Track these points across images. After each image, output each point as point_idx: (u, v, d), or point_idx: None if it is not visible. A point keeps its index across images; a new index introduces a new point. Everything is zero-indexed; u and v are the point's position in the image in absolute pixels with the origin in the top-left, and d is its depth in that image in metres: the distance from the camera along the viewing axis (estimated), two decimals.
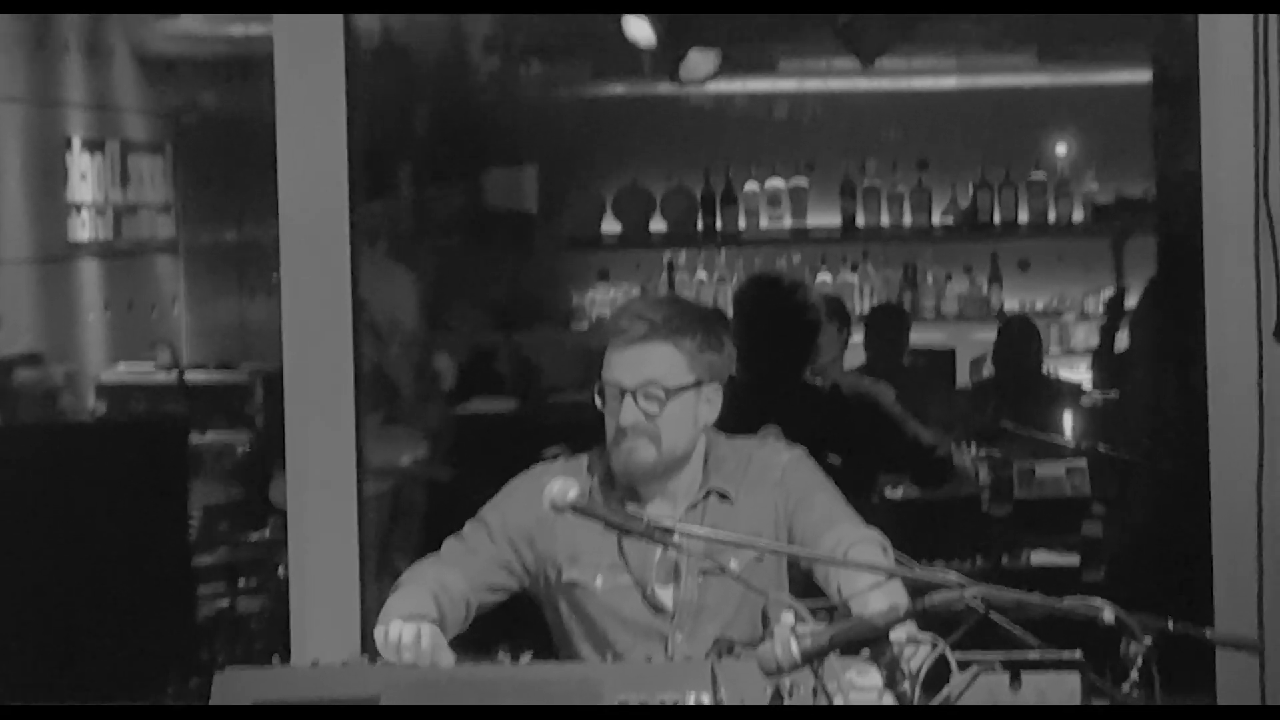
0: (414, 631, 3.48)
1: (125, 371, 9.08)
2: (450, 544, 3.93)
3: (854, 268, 9.88)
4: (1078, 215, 9.69)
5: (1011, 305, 9.89)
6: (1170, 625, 2.92)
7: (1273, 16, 4.85)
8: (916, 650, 2.92)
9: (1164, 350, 6.72)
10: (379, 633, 3.56)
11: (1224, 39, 4.97)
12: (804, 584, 3.64)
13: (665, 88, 9.61)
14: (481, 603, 3.80)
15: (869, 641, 2.93)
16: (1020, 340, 8.80)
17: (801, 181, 9.56)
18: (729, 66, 9.42)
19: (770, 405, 5.51)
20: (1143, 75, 8.08)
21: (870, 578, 3.35)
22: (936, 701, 3.01)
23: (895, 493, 6.88)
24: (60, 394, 8.85)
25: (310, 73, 5.25)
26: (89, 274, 9.60)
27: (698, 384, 3.79)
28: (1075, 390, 8.80)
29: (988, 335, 9.22)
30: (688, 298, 7.02)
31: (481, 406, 8.16)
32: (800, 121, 10.15)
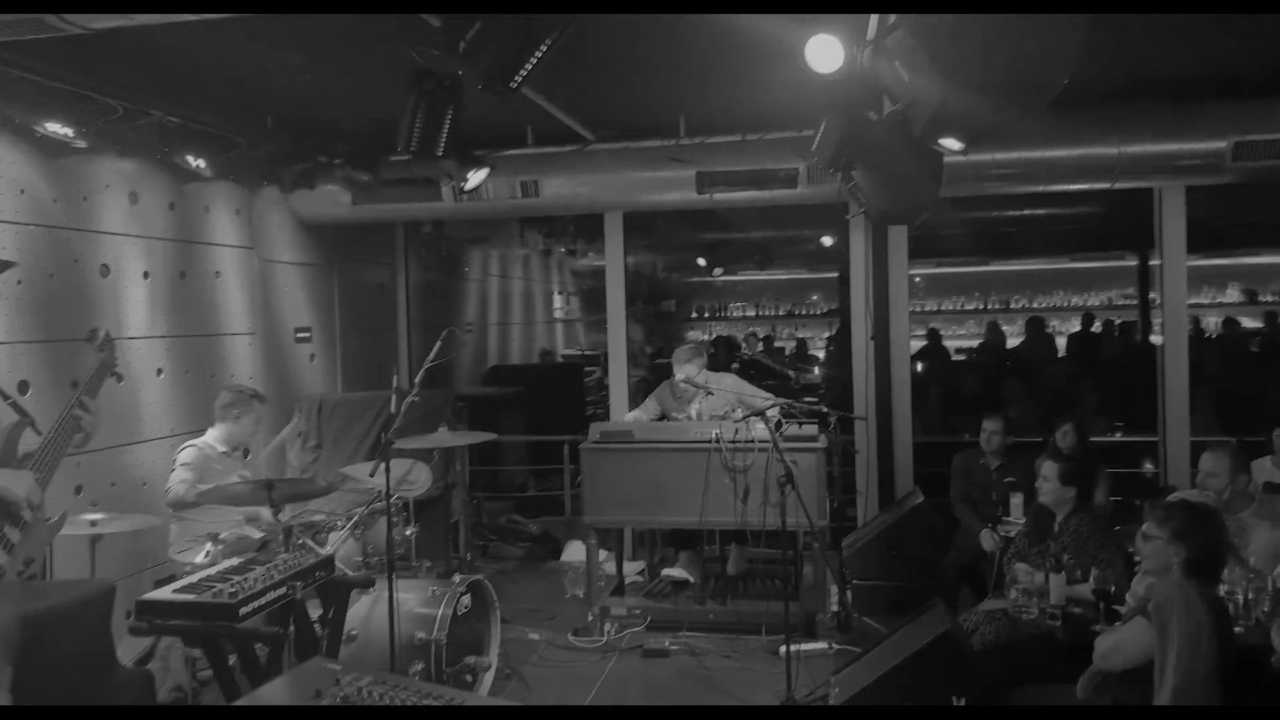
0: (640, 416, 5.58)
1: (567, 353, 12.37)
2: (646, 403, 5.76)
3: (723, 329, 13.37)
4: (817, 312, 13.59)
5: (799, 335, 13.47)
6: (840, 413, 5.49)
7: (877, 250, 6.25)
8: (775, 411, 4.81)
9: (841, 347, 7.61)
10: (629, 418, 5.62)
11: (858, 265, 6.33)
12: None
13: (706, 278, 13.52)
14: (654, 417, 5.55)
15: (760, 413, 4.66)
16: (799, 350, 12.34)
17: (742, 304, 13.93)
18: (724, 270, 13.27)
19: (722, 367, 7.63)
20: (833, 272, 11.74)
21: (765, 401, 5.07)
22: (731, 435, 4.82)
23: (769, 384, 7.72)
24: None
25: (614, 275, 6.67)
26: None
27: (699, 371, 5.52)
28: (817, 359, 12.00)
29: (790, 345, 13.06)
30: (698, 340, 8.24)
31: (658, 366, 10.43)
32: (733, 286, 14.04)
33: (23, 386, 4.34)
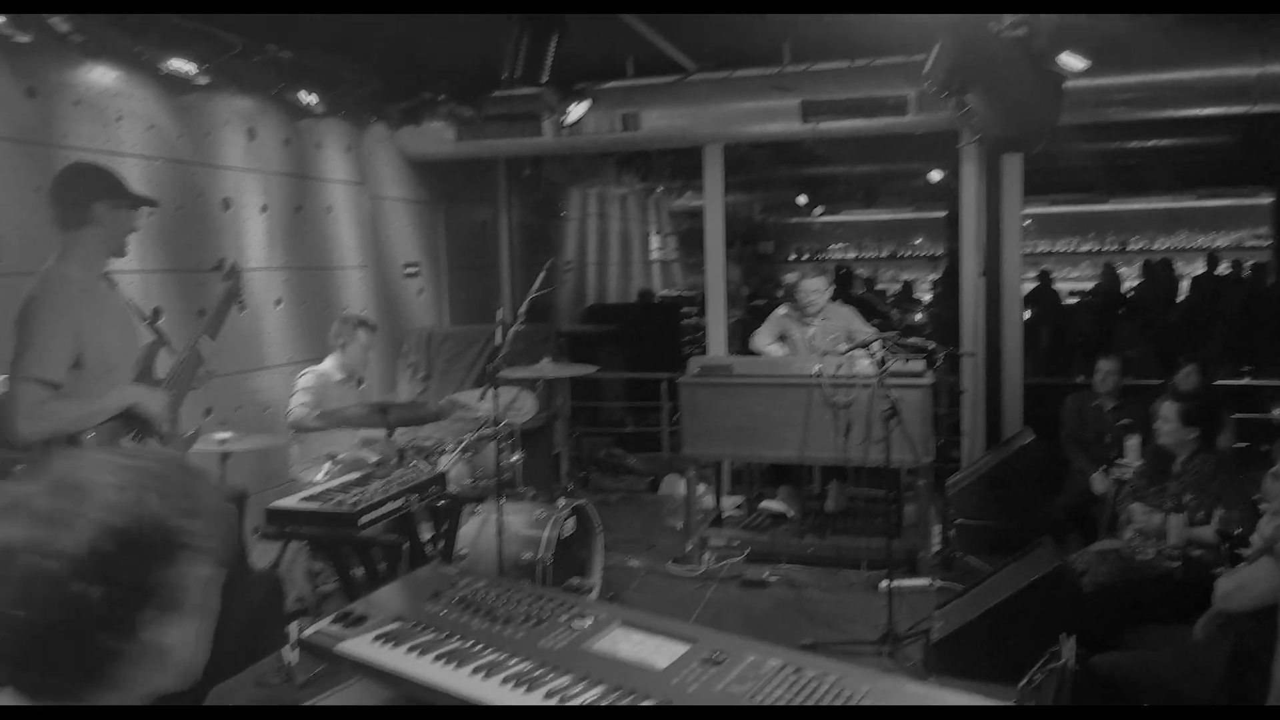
0: (775, 348, 5.53)
1: (664, 293, 12.01)
2: (765, 326, 5.69)
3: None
4: (922, 255, 13.62)
5: (903, 278, 13.21)
6: (948, 348, 5.27)
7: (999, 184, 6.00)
8: (880, 346, 4.70)
9: (949, 287, 8.16)
10: (761, 346, 5.54)
11: (969, 198, 6.10)
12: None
13: (805, 219, 13.41)
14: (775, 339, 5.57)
15: (866, 345, 4.79)
16: (903, 292, 11.89)
17: (843, 245, 13.78)
18: (825, 210, 13.20)
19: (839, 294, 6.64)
20: (940, 211, 11.31)
21: (871, 334, 5.10)
22: (833, 371, 4.77)
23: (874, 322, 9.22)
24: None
25: (713, 210, 6.55)
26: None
27: (827, 288, 5.60)
28: (920, 301, 11.81)
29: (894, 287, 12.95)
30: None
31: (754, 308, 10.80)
32: (833, 228, 14.05)
33: (158, 313, 4.54)
